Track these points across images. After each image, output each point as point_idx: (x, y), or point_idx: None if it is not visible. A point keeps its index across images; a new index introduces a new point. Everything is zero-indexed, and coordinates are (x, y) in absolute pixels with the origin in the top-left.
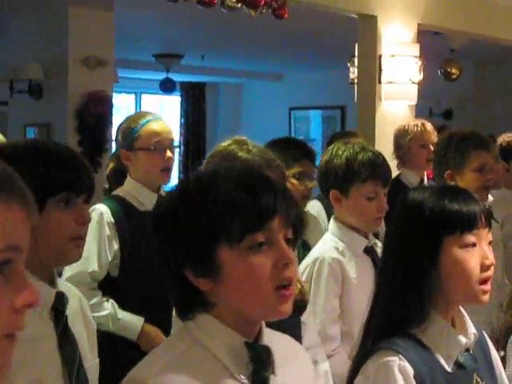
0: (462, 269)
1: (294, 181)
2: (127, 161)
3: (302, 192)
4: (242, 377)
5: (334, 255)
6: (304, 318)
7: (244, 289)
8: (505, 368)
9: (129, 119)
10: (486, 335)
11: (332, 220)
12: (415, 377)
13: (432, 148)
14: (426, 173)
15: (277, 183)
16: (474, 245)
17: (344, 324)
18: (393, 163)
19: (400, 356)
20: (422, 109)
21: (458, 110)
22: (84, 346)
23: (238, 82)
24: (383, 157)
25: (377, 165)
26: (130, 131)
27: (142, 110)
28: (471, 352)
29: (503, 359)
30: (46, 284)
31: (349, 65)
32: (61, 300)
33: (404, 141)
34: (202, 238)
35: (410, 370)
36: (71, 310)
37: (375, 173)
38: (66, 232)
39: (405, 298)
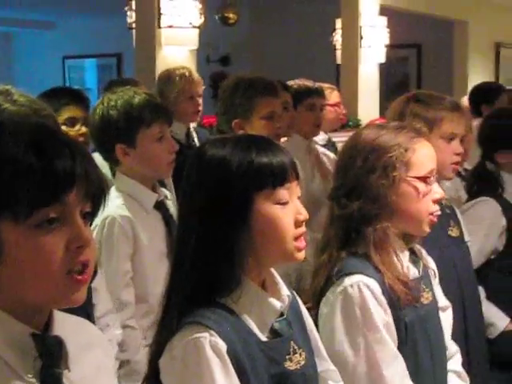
0: (275, 227)
1: (64, 128)
2: None
3: (75, 138)
4: (29, 376)
5: (124, 213)
6: (95, 283)
7: (29, 273)
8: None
9: None
10: (295, 294)
11: (117, 175)
12: (228, 352)
13: (198, 100)
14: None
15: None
16: (286, 200)
17: (137, 287)
18: None
19: (211, 331)
20: (200, 55)
21: (235, 55)
22: None
23: (8, 30)
24: (155, 96)
25: (157, 105)
26: None
27: None
28: (285, 316)
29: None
30: None
31: (126, 8)
32: None
33: (170, 92)
34: None
35: (223, 346)
36: None
37: (158, 113)
38: None
39: (212, 264)
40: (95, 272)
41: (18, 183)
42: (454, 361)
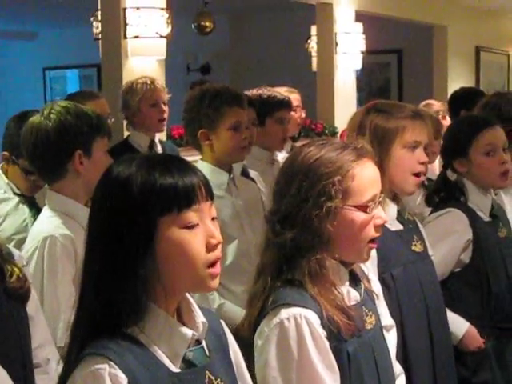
0: (183, 252)
1: None
2: None
3: None
4: None
5: (65, 231)
6: (31, 310)
7: None
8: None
9: None
10: (222, 322)
11: (49, 194)
12: None
13: (163, 107)
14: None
15: None
16: (195, 223)
17: None
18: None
19: (110, 363)
20: (179, 65)
21: (214, 64)
22: None
23: None
24: None
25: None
26: None
27: None
28: (203, 344)
29: None
30: None
31: (92, 19)
32: None
33: (133, 101)
34: None
35: (124, 379)
36: None
37: (106, 126)
38: None
39: (116, 291)
40: (28, 296)
41: None
42: (399, 382)
